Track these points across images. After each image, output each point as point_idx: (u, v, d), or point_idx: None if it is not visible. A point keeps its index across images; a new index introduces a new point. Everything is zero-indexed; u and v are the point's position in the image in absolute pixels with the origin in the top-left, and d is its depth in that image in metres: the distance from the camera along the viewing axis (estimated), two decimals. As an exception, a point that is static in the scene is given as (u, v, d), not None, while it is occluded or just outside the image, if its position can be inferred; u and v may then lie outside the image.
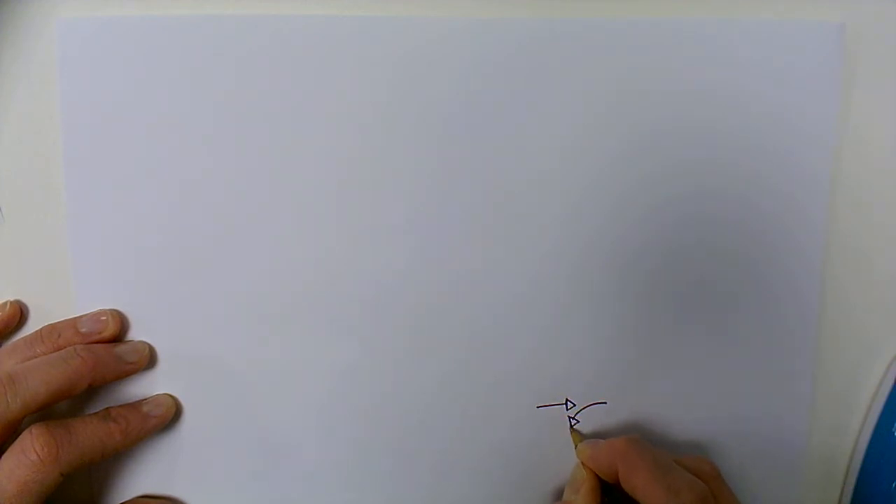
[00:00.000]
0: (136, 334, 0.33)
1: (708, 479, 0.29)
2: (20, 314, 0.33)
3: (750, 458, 0.34)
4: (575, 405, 0.34)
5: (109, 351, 0.31)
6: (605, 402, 0.34)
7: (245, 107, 0.32)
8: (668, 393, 0.34)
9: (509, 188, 0.32)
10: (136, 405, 0.32)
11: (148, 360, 0.33)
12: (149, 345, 0.33)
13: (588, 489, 0.30)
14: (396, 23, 0.31)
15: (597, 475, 0.31)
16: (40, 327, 0.32)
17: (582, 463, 0.31)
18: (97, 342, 0.32)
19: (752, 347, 0.33)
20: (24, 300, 0.33)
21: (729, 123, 0.32)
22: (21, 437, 0.29)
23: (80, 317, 0.32)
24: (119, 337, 0.33)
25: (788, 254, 0.33)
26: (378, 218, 0.32)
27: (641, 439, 0.30)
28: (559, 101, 0.32)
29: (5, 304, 0.33)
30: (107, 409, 0.32)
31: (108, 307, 0.33)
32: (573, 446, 0.33)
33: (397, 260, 0.33)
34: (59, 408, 0.32)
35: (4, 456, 0.28)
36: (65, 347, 0.31)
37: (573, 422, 0.34)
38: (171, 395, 0.33)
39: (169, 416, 0.32)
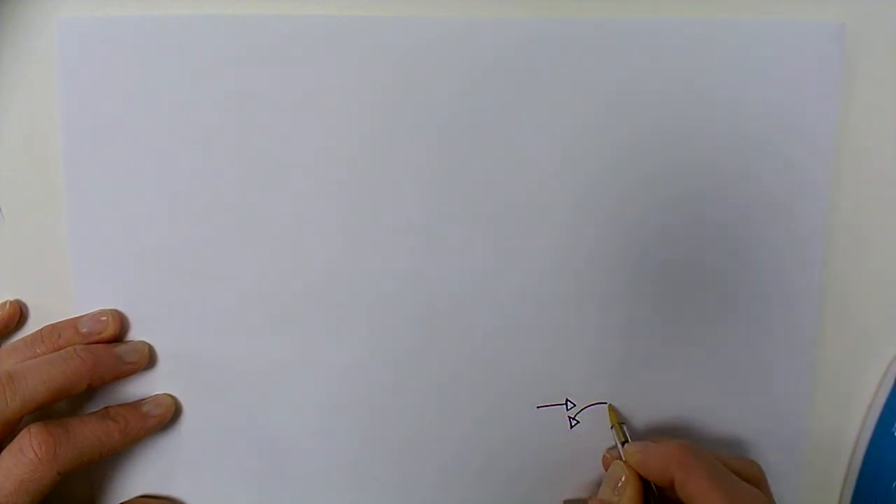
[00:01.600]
0: (136, 334, 0.33)
1: (757, 483, 0.29)
2: (20, 314, 0.33)
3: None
4: (575, 405, 0.34)
5: (109, 351, 0.31)
6: (605, 403, 0.34)
7: (245, 107, 0.32)
8: (667, 393, 0.34)
9: (509, 188, 0.32)
10: (135, 405, 0.32)
11: (148, 360, 0.33)
12: (149, 345, 0.33)
13: (633, 493, 0.29)
14: (396, 23, 0.31)
15: (639, 476, 0.30)
16: (40, 327, 0.32)
17: (626, 464, 0.30)
18: (97, 342, 0.32)
19: (753, 348, 0.33)
20: (24, 300, 0.33)
21: (729, 123, 0.32)
22: (19, 435, 0.29)
23: (81, 317, 0.32)
24: (119, 337, 0.33)
25: (789, 254, 0.33)
26: (378, 218, 0.32)
27: (695, 445, 0.29)
28: (559, 101, 0.32)
29: (5, 303, 0.33)
30: (106, 408, 0.32)
31: (108, 307, 0.33)
32: (612, 432, 0.32)
33: (397, 260, 0.33)
34: (59, 407, 0.32)
35: (3, 455, 0.28)
36: (65, 347, 0.31)
37: (573, 423, 0.34)
38: (170, 395, 0.33)
39: (168, 415, 0.32)
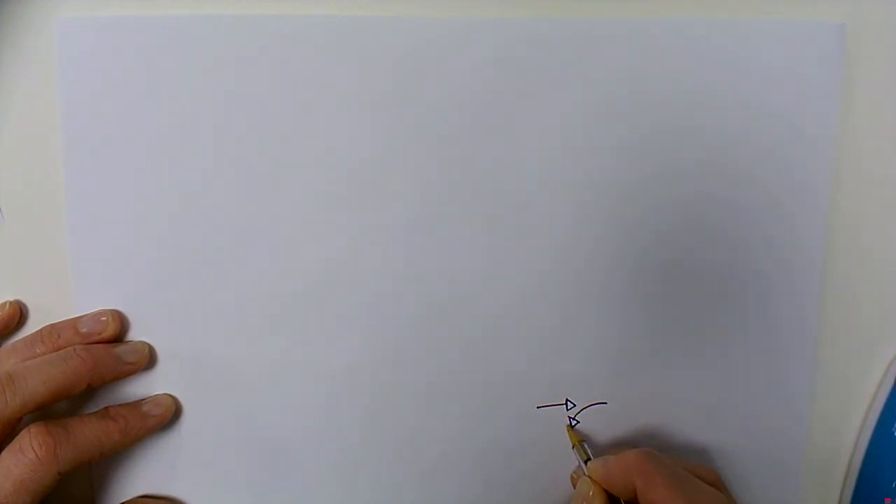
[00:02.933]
0: (136, 334, 0.33)
1: (717, 488, 0.29)
2: (20, 314, 0.33)
3: (750, 458, 0.34)
4: (575, 405, 0.34)
5: (109, 351, 0.31)
6: (605, 403, 0.34)
7: (244, 106, 0.32)
8: (667, 393, 0.34)
9: (509, 188, 0.32)
10: (135, 404, 0.32)
11: (148, 360, 0.33)
12: (149, 345, 0.33)
13: None
14: (396, 23, 0.31)
15: (605, 490, 0.30)
16: (40, 327, 0.32)
17: (591, 479, 0.30)
18: (97, 342, 0.32)
19: (753, 348, 0.33)
20: (24, 300, 0.33)
21: (729, 123, 0.32)
22: (19, 435, 0.29)
23: (80, 317, 0.32)
24: (119, 337, 0.33)
25: (789, 254, 0.33)
26: (378, 218, 0.32)
27: (654, 451, 0.29)
28: (559, 101, 0.32)
29: (5, 304, 0.33)
30: (106, 408, 0.32)
31: (108, 307, 0.32)
32: (571, 446, 0.33)
33: (397, 260, 0.33)
34: (59, 407, 0.32)
35: (2, 455, 0.28)
36: (64, 348, 0.31)
37: (573, 422, 0.34)
38: (170, 395, 0.33)
39: (168, 415, 0.32)
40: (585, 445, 0.32)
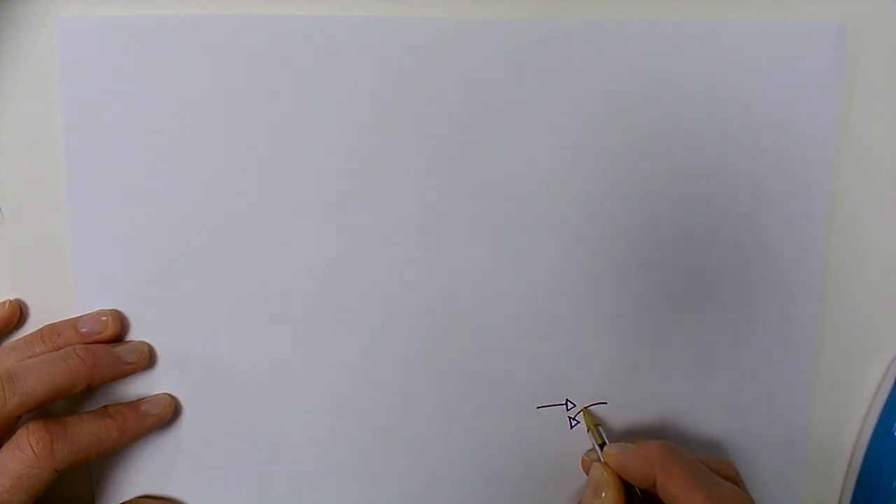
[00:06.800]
0: (136, 334, 0.33)
1: (734, 482, 0.29)
2: (19, 313, 0.33)
3: (750, 458, 0.34)
4: (575, 405, 0.34)
5: (108, 351, 0.31)
6: (606, 403, 0.34)
7: (245, 106, 0.32)
8: (667, 394, 0.33)
9: (511, 189, 0.32)
10: (134, 403, 0.32)
11: (147, 360, 0.33)
12: (148, 345, 0.33)
13: (613, 494, 0.29)
14: (396, 23, 0.31)
15: (619, 477, 0.30)
16: (40, 327, 0.32)
17: (606, 465, 0.30)
18: (97, 342, 0.32)
19: (753, 348, 0.33)
20: (24, 300, 0.33)
21: (729, 124, 0.32)
22: (17, 432, 0.29)
23: (80, 317, 0.32)
24: (119, 337, 0.33)
25: (789, 254, 0.33)
26: (379, 219, 0.32)
27: (675, 444, 0.29)
28: (559, 102, 0.32)
29: (5, 303, 0.33)
30: (104, 406, 0.32)
31: (108, 307, 0.32)
32: (589, 435, 0.32)
33: (398, 262, 0.33)
34: (58, 406, 0.32)
35: (0, 452, 0.28)
36: (64, 347, 0.31)
37: (573, 423, 0.34)
38: (170, 395, 0.33)
39: (167, 415, 0.32)
40: (601, 429, 0.32)
